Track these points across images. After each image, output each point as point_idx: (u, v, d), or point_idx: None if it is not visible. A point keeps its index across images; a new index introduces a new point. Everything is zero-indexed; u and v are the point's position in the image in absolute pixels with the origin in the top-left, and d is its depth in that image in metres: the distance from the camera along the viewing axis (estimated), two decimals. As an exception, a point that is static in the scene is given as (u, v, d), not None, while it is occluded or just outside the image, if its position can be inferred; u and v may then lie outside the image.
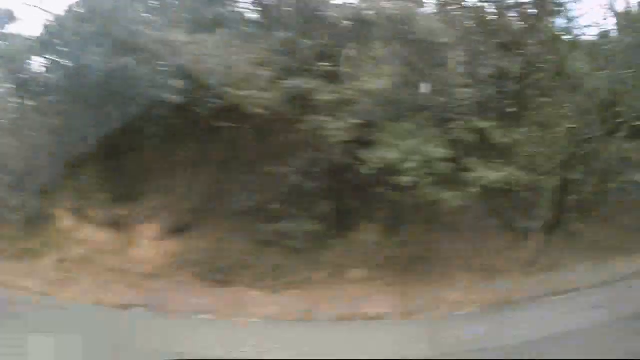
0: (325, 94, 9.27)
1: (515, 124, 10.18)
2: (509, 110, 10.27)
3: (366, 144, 9.39)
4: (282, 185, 9.83)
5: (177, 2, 11.03)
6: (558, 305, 9.47)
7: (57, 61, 11.18)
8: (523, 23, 10.75)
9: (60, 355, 6.73)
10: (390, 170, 9.20)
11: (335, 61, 9.68)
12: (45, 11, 10.96)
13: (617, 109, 11.32)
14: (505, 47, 10.24)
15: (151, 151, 10.48)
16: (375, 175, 9.42)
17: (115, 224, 10.85)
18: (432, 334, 8.81)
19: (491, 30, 10.41)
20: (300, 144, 9.75)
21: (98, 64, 10.13)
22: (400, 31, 9.68)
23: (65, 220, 11.29)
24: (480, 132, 9.90)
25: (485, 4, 10.76)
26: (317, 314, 9.50)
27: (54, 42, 10.92)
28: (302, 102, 9.48)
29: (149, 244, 10.57)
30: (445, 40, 9.78)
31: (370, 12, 9.75)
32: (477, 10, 10.76)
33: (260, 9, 10.61)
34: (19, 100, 12.00)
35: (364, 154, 9.26)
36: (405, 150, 9.16)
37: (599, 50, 11.82)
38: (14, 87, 11.72)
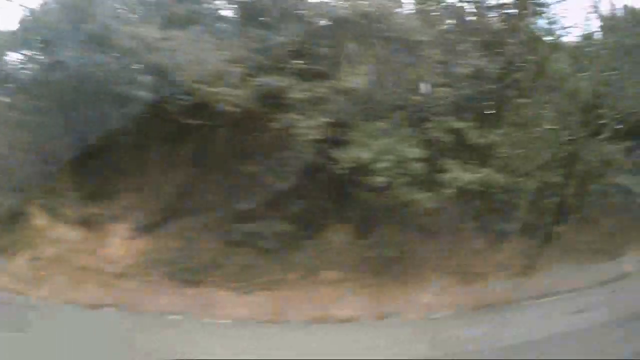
0: (297, 92, 9.13)
1: (493, 124, 10.04)
2: (487, 110, 10.10)
3: (339, 143, 9.24)
4: (254, 184, 9.67)
5: (152, -1, 10.89)
6: (537, 310, 9.31)
7: (32, 57, 11.09)
8: (503, 23, 10.58)
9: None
10: (364, 170, 9.07)
11: (310, 59, 9.54)
12: (21, 5, 10.88)
13: (600, 111, 11.18)
14: (484, 47, 10.08)
15: (124, 149, 10.31)
16: (348, 175, 9.29)
17: (88, 223, 10.72)
18: (406, 337, 8.69)
19: (470, 30, 10.24)
20: (272, 143, 9.61)
21: (72, 59, 10.02)
22: (376, 29, 9.53)
23: (40, 219, 11.17)
24: (457, 132, 9.76)
25: (465, 4, 10.58)
26: (288, 315, 9.37)
27: (29, 37, 10.81)
28: (274, 101, 9.33)
29: (120, 243, 10.44)
30: (423, 38, 9.63)
31: (346, 10, 9.57)
32: (457, 10, 10.59)
33: (235, 5, 10.45)
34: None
35: (337, 153, 9.12)
36: (378, 149, 9.03)
37: (582, 51, 11.68)
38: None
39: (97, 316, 9.26)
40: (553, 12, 11.01)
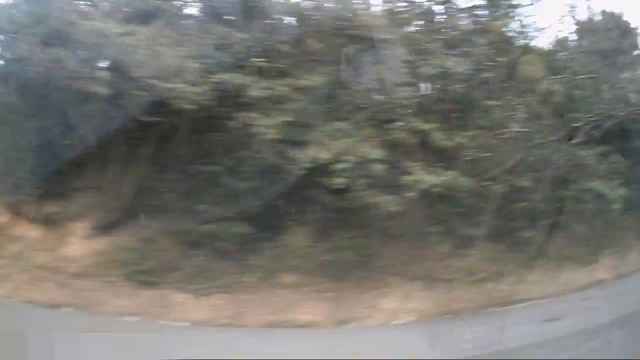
0: (257, 90, 8.92)
1: (460, 126, 9.82)
2: (453, 112, 9.87)
3: (298, 143, 9.01)
4: (213, 184, 9.46)
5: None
6: (507, 317, 9.04)
7: (-5, 52, 10.93)
8: (474, 25, 10.36)
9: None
10: (324, 171, 8.84)
11: (271, 57, 9.32)
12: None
13: (574, 115, 10.97)
14: (452, 47, 9.85)
15: (84, 146, 10.08)
16: (309, 177, 9.05)
17: (48, 221, 10.52)
18: (366, 344, 8.44)
19: (438, 29, 10.02)
20: (232, 142, 9.38)
21: (32, 54, 9.81)
22: (340, 27, 9.31)
23: (1, 216, 10.98)
24: (422, 133, 9.53)
25: (434, 5, 10.36)
26: (245, 319, 9.15)
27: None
28: (234, 99, 9.11)
29: (79, 242, 10.24)
30: (388, 37, 9.40)
31: (309, 7, 9.36)
32: (426, 10, 10.38)
33: (198, 2, 10.25)
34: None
35: (295, 153, 8.88)
36: (338, 150, 8.79)
37: (556, 54, 11.48)
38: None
39: (55, 316, 8.98)
40: (526, 14, 10.85)
